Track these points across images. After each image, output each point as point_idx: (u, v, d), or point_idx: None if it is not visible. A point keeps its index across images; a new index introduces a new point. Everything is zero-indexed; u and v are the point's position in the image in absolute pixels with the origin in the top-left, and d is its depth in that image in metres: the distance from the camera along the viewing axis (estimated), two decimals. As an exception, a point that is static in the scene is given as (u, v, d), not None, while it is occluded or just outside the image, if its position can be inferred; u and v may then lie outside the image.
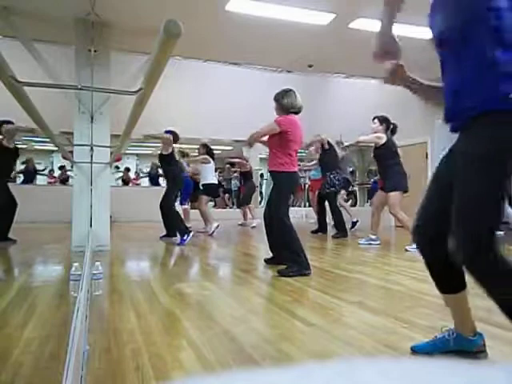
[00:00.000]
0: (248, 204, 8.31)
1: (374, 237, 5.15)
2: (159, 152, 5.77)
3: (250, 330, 1.95)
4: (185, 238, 5.20)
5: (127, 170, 12.61)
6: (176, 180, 5.70)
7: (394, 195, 4.74)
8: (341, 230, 6.22)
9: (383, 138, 4.88)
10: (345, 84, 9.61)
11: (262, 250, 5.14)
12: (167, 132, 5.60)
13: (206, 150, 6.63)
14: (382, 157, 4.93)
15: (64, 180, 11.36)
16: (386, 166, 4.90)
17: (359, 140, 5.18)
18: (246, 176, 8.46)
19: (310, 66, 7.05)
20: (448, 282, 1.51)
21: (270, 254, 3.71)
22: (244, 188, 8.73)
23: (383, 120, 5.01)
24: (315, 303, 2.48)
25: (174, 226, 5.47)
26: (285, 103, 3.46)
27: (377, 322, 2.05)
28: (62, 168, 11.68)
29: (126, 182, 12.17)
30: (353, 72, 7.77)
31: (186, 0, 4.43)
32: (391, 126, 5.08)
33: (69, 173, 11.36)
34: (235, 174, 9.88)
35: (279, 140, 3.41)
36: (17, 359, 1.59)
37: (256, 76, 8.87)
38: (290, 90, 3.53)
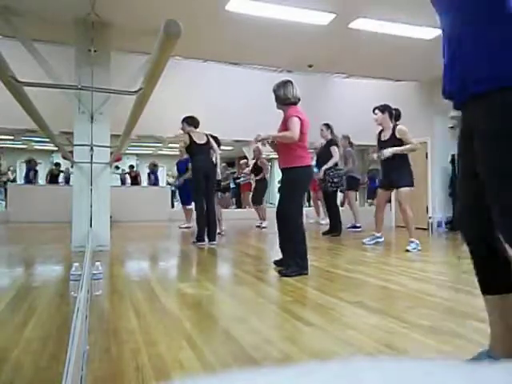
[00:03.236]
0: (260, 204, 7.98)
1: (378, 234, 5.11)
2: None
3: (251, 330, 1.95)
4: (195, 240, 5.08)
5: (131, 167, 12.68)
6: (192, 174, 5.38)
7: (409, 190, 4.73)
8: (333, 227, 6.31)
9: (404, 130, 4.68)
10: (345, 84, 9.61)
11: (263, 250, 5.14)
12: (183, 120, 5.33)
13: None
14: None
15: (55, 176, 11.39)
16: (399, 160, 4.71)
17: (400, 150, 4.68)
18: (259, 173, 7.97)
19: (310, 66, 7.05)
20: (491, 277, 1.36)
21: (275, 256, 3.70)
22: (254, 186, 8.52)
23: (384, 108, 4.86)
24: (315, 303, 2.48)
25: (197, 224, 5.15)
26: (279, 94, 3.43)
27: (377, 322, 2.05)
28: (57, 165, 11.71)
29: (133, 178, 12.18)
30: (353, 72, 7.77)
31: (185, 0, 4.43)
32: (394, 113, 4.89)
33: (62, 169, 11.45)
34: (245, 171, 9.68)
35: None
36: (17, 359, 1.59)
37: (256, 76, 8.87)
38: (288, 81, 3.48)
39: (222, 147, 6.56)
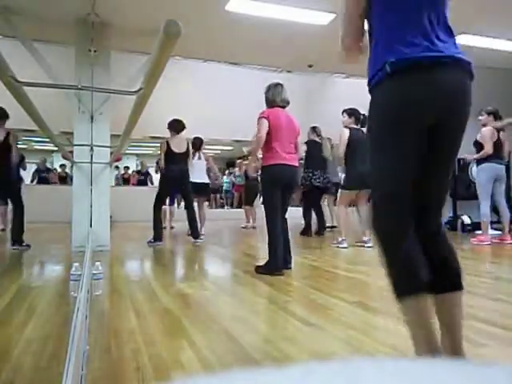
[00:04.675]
0: (248, 205, 7.90)
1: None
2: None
3: (250, 330, 1.96)
4: (152, 241, 5.06)
5: (127, 168, 12.74)
6: (162, 181, 5.37)
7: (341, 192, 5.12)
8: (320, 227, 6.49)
9: (346, 133, 4.90)
10: (345, 84, 9.61)
11: (262, 250, 5.14)
12: (170, 123, 5.32)
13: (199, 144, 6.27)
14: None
15: (63, 178, 11.49)
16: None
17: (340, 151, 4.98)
18: (247, 175, 7.88)
19: (310, 66, 7.05)
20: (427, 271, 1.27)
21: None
22: (242, 188, 8.49)
23: (352, 112, 5.04)
24: (315, 303, 2.48)
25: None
26: (267, 96, 3.49)
27: (377, 322, 2.05)
28: (62, 166, 11.84)
29: (126, 180, 12.28)
30: (353, 72, 7.77)
31: (185, 0, 4.43)
32: (361, 118, 5.06)
33: (68, 170, 11.52)
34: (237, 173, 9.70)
35: None
36: (17, 359, 1.59)
37: (256, 76, 8.87)
38: (278, 84, 3.52)
39: (221, 147, 6.54)
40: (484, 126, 5.16)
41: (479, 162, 5.14)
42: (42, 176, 10.72)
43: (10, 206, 4.78)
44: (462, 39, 5.44)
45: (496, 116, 5.13)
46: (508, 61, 6.25)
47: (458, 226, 6.53)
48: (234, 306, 2.47)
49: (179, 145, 5.20)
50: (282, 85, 3.52)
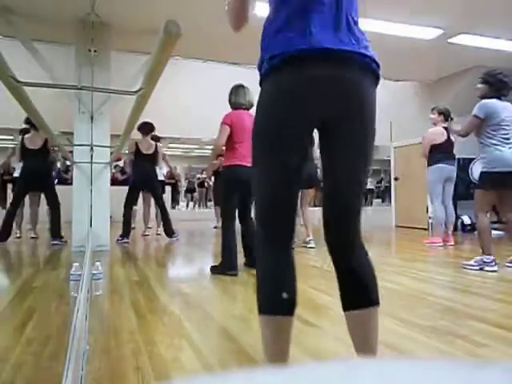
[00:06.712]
0: (216, 205, 7.83)
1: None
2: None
3: (250, 330, 1.95)
4: (120, 238, 5.31)
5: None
6: (132, 180, 5.71)
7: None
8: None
9: None
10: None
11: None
12: (139, 126, 5.43)
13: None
14: None
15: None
16: None
17: None
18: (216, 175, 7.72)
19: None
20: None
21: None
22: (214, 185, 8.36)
23: None
24: (315, 303, 2.48)
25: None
26: (230, 99, 3.55)
27: (377, 322, 2.05)
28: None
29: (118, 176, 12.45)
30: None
31: (185, 0, 4.43)
32: None
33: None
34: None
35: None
36: (17, 359, 1.59)
37: (256, 76, 8.87)
38: (240, 86, 3.54)
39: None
40: (434, 124, 5.13)
41: (430, 163, 5.07)
42: (63, 176, 10.69)
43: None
44: (462, 39, 5.44)
45: (446, 116, 5.07)
46: (508, 61, 6.24)
47: (458, 225, 6.53)
48: (234, 305, 2.47)
49: (147, 147, 5.54)
50: (244, 86, 3.54)
